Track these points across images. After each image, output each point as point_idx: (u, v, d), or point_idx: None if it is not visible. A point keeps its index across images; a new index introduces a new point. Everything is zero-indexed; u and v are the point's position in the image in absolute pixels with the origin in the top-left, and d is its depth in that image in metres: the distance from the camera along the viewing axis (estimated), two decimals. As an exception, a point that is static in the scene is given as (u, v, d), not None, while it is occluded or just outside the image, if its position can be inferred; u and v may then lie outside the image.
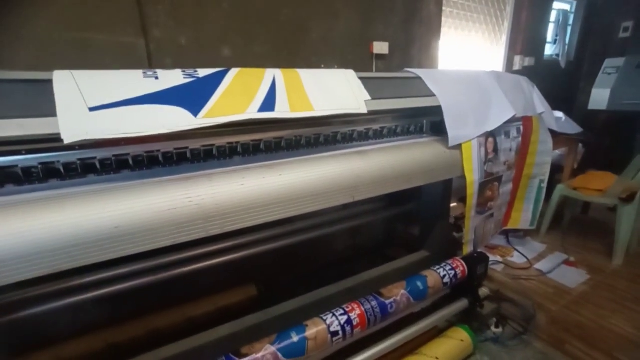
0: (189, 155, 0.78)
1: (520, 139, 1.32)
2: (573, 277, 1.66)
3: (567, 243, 1.96)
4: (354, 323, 0.93)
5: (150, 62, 1.17)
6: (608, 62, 2.69)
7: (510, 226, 1.55)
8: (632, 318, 1.38)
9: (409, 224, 1.64)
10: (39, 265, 0.51)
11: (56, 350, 0.96)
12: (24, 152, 0.62)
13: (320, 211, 0.79)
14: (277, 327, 0.89)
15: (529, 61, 2.77)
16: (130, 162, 0.72)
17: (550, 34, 3.02)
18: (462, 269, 1.21)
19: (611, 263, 1.78)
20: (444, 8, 2.05)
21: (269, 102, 0.73)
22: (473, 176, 1.14)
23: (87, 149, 0.67)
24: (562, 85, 3.12)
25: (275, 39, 1.42)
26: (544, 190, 1.50)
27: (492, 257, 1.72)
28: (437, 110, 1.06)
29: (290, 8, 1.42)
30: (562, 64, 3.08)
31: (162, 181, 0.66)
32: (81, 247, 0.54)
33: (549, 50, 3.09)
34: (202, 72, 0.72)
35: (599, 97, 2.63)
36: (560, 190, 1.98)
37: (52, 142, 0.56)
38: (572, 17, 3.15)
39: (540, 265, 1.75)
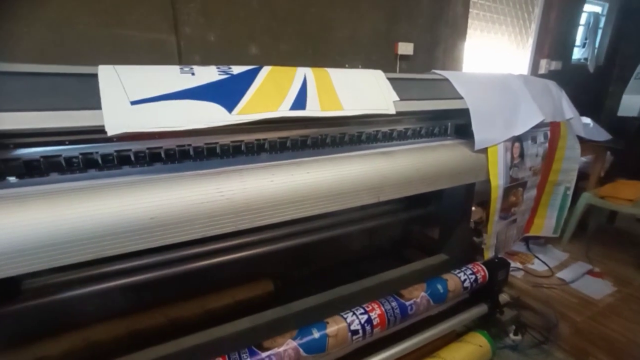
0: (218, 150, 0.80)
1: (547, 144, 1.28)
2: (598, 288, 1.61)
3: (591, 253, 1.90)
4: (374, 323, 0.93)
5: (180, 58, 1.20)
6: (642, 68, 2.59)
7: (532, 233, 1.51)
8: (664, 333, 1.33)
9: (427, 226, 1.63)
10: (85, 250, 0.53)
11: (83, 332, 1.00)
12: (67, 143, 0.65)
13: (338, 210, 0.79)
14: (297, 323, 0.90)
15: (555, 65, 2.68)
16: (163, 155, 0.75)
17: (579, 37, 2.93)
18: (482, 274, 1.20)
19: (640, 275, 1.72)
20: (470, 10, 2.02)
21: (301, 101, 0.74)
22: (498, 181, 1.12)
23: (124, 141, 0.70)
24: (589, 90, 3.02)
25: (300, 37, 1.44)
26: (569, 198, 1.46)
27: (512, 264, 1.69)
28: (463, 113, 1.04)
29: (317, 7, 1.43)
30: (591, 69, 2.97)
31: (195, 175, 0.68)
32: (121, 236, 0.56)
33: (577, 54, 2.99)
34: (236, 69, 0.73)
35: (630, 103, 2.53)
36: (586, 198, 1.92)
37: (96, 133, 0.58)
38: (602, 19, 3.04)
39: (562, 274, 1.71)
